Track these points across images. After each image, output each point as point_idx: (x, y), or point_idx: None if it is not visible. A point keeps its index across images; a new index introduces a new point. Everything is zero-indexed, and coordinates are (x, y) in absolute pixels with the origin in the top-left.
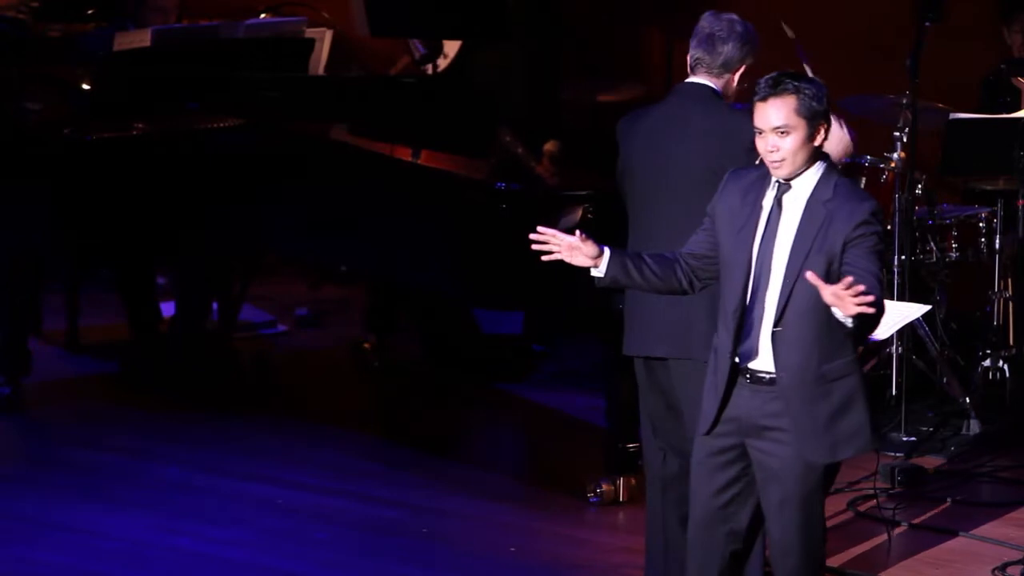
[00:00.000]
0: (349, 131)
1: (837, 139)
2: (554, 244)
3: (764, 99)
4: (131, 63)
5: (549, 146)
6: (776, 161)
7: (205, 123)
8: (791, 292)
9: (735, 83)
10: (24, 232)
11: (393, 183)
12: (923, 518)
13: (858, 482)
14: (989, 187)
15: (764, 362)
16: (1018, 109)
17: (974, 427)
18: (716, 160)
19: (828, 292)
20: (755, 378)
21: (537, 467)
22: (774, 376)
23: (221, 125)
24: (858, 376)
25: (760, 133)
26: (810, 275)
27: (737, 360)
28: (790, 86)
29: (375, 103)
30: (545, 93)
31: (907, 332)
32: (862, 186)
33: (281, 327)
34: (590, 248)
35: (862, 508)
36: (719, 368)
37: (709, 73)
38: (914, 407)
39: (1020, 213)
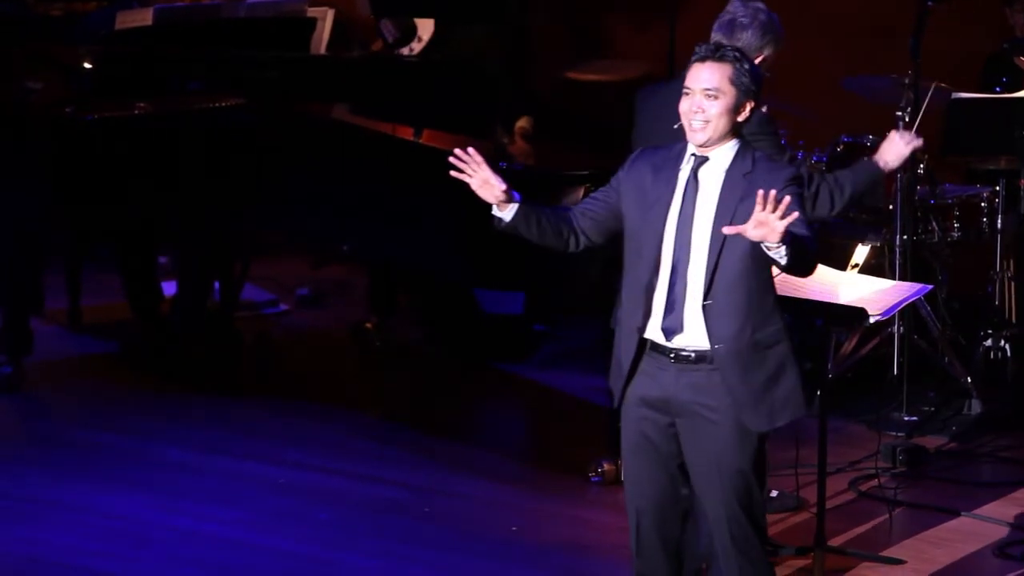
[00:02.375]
0: (350, 111)
1: (897, 151)
2: (471, 169)
3: (702, 60)
4: (133, 42)
5: (522, 123)
6: (697, 123)
7: (207, 102)
8: (716, 264)
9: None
10: (26, 212)
11: (395, 163)
12: (924, 498)
13: (859, 462)
14: (991, 167)
15: (691, 338)
16: (1019, 89)
17: (975, 407)
18: None
19: (752, 224)
20: (680, 357)
21: (538, 447)
22: (704, 352)
23: (222, 104)
24: (788, 343)
25: (688, 93)
26: (727, 228)
27: (662, 339)
28: (730, 55)
29: (377, 83)
30: (517, 73)
31: (909, 312)
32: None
33: (283, 307)
34: (501, 194)
35: (863, 488)
36: (627, 340)
37: None
38: (916, 387)
39: (1022, 193)
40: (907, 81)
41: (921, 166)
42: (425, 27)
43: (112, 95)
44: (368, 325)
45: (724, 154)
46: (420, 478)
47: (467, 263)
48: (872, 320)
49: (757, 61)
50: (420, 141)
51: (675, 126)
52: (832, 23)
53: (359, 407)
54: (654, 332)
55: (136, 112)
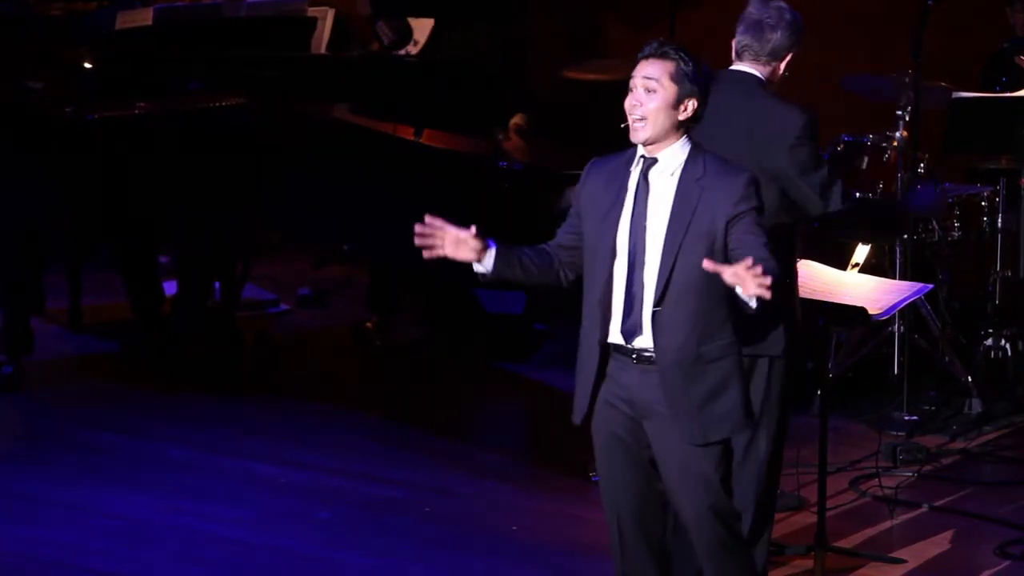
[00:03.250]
0: (351, 110)
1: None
2: (438, 238)
3: (646, 57)
4: (133, 42)
5: (516, 119)
6: (638, 119)
7: (207, 102)
8: (671, 272)
9: (781, 71)
10: (26, 211)
11: (395, 162)
12: (925, 497)
13: (860, 461)
14: (991, 166)
15: (648, 340)
16: (1020, 88)
17: (976, 406)
18: (763, 153)
19: (729, 272)
20: (641, 358)
21: (539, 446)
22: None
23: (223, 104)
24: (735, 359)
25: (631, 90)
26: (707, 263)
27: (622, 341)
28: (672, 53)
29: (377, 82)
30: (515, 72)
31: (909, 311)
32: (864, 166)
33: (283, 306)
34: (476, 242)
35: (864, 487)
36: (589, 353)
37: (756, 61)
38: (916, 386)
39: (1023, 192)
40: (907, 80)
41: (921, 165)
42: (421, 29)
43: (113, 95)
44: (369, 325)
45: (674, 155)
46: (420, 477)
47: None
48: (872, 319)
49: (786, 60)
50: (420, 140)
51: (622, 125)
52: (832, 22)
53: (360, 407)
54: (615, 335)
55: (136, 112)
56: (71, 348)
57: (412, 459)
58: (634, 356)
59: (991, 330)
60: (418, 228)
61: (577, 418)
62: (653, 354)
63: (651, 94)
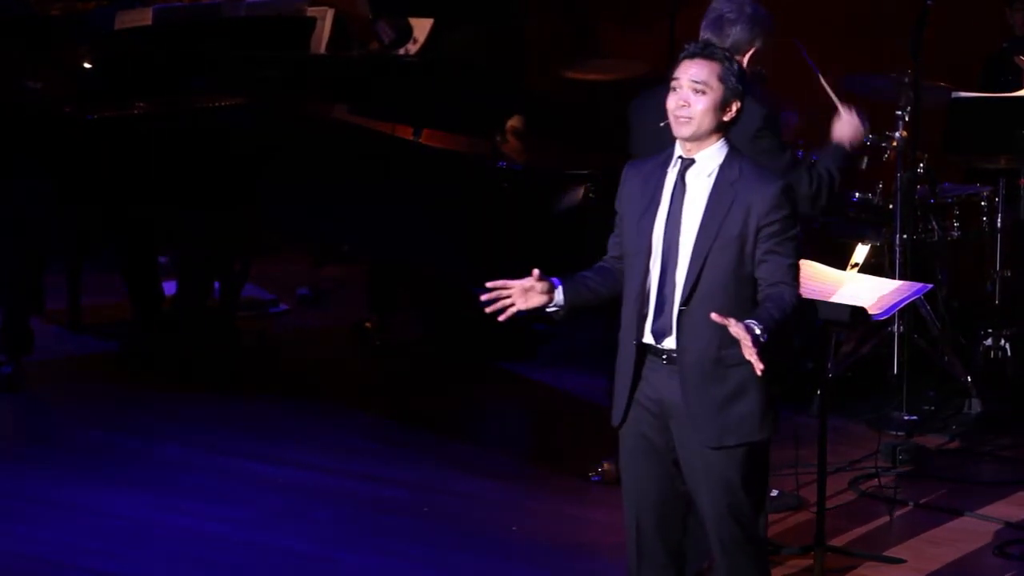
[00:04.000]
0: (350, 110)
1: (850, 125)
2: (507, 296)
3: (691, 57)
4: (132, 42)
5: (513, 122)
6: (683, 117)
7: (206, 102)
8: (699, 274)
9: (745, 65)
10: (26, 211)
11: (394, 162)
12: (924, 497)
13: (859, 461)
14: (991, 166)
15: (675, 341)
16: (1019, 88)
17: (975, 406)
18: None
19: (732, 328)
20: (670, 358)
21: (539, 446)
22: None
23: (222, 104)
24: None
25: (674, 89)
26: (715, 316)
27: (653, 341)
28: (719, 54)
29: (377, 82)
30: (513, 72)
31: (908, 311)
32: (863, 166)
33: (283, 306)
34: (543, 284)
35: (864, 487)
36: (626, 355)
37: None
38: (916, 386)
39: (1022, 192)
40: (907, 80)
41: (921, 165)
42: (421, 28)
43: (112, 95)
44: (368, 324)
45: (711, 157)
46: (420, 477)
47: (467, 262)
48: (872, 319)
49: (749, 54)
50: (419, 140)
51: (661, 124)
52: (831, 22)
53: (359, 406)
54: (647, 336)
55: (136, 112)
56: (71, 348)
57: (412, 459)
58: (663, 357)
59: (991, 330)
60: (484, 297)
61: (616, 419)
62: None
63: (699, 95)
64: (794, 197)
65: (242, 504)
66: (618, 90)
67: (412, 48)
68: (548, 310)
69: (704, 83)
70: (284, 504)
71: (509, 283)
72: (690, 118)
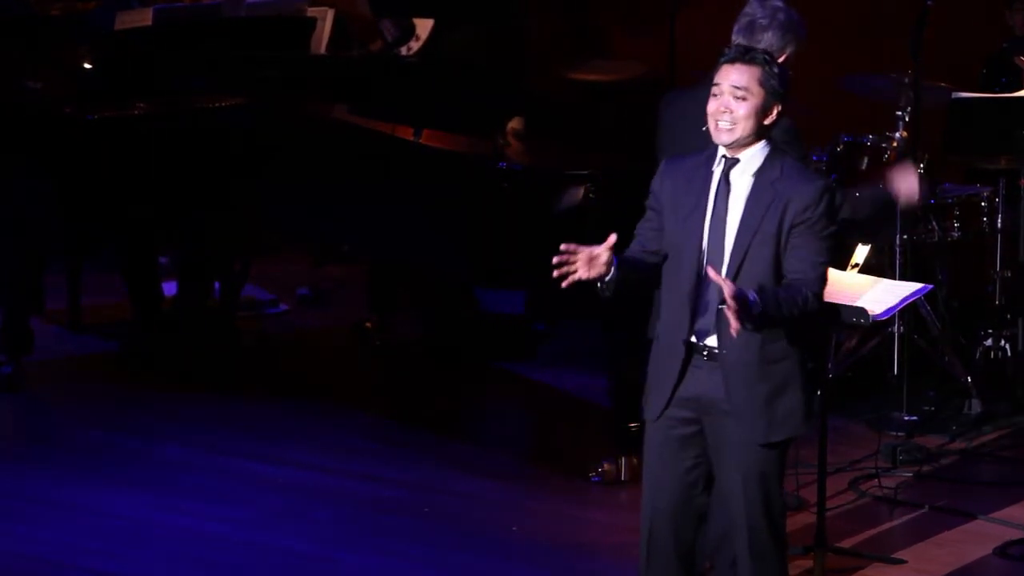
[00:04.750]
0: (350, 110)
1: (909, 187)
2: (573, 262)
3: (731, 61)
4: (133, 42)
5: (513, 123)
6: (724, 124)
7: (206, 102)
8: (738, 271)
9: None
10: (26, 211)
11: (394, 162)
12: (925, 498)
13: (860, 461)
14: (991, 166)
15: (716, 339)
16: (1019, 88)
17: (975, 406)
18: None
19: (724, 288)
20: (712, 355)
21: (539, 446)
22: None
23: (222, 104)
24: (797, 359)
25: (715, 95)
26: (712, 274)
27: (695, 339)
28: (760, 58)
29: (377, 82)
30: (514, 72)
31: (909, 312)
32: (863, 167)
33: (283, 306)
34: (609, 254)
35: (864, 487)
36: (672, 352)
37: None
38: (916, 387)
39: (1022, 192)
40: (907, 80)
41: (921, 166)
42: (423, 26)
43: (112, 95)
44: (368, 324)
45: (754, 156)
46: (420, 477)
47: (467, 262)
48: (872, 320)
49: (781, 60)
50: (420, 141)
51: (703, 128)
52: (832, 22)
53: (359, 406)
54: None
55: (136, 112)
56: (71, 348)
57: (411, 459)
58: (705, 354)
59: (991, 330)
60: (556, 259)
61: (653, 414)
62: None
63: (740, 101)
64: (834, 198)
65: (242, 504)
66: (618, 91)
67: (414, 46)
68: (601, 282)
69: (745, 89)
70: (284, 504)
71: (580, 247)
72: (733, 123)
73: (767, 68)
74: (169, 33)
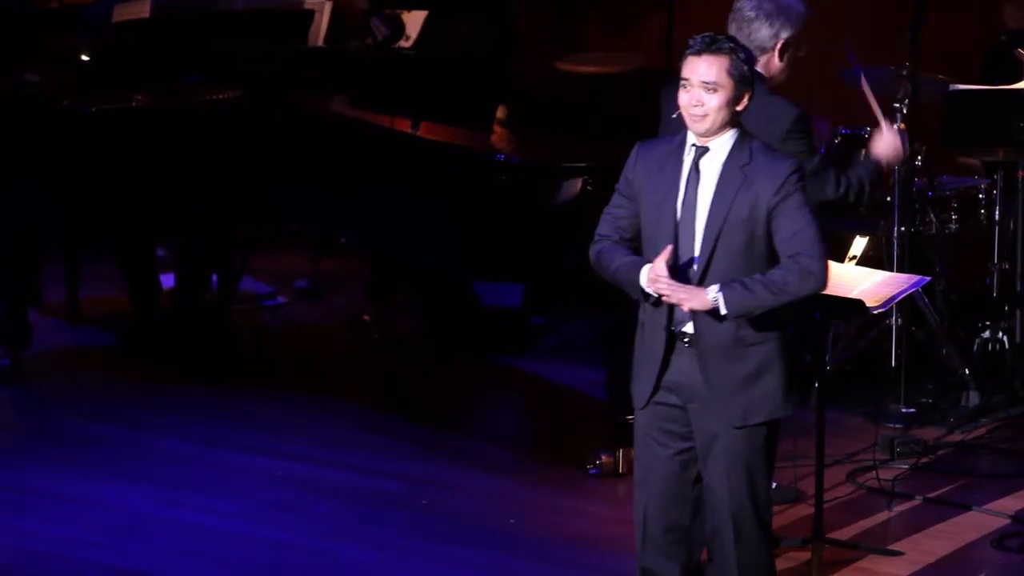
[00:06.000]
0: (349, 103)
1: (891, 145)
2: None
3: (698, 54)
4: (130, 34)
5: (497, 112)
6: (697, 116)
7: (204, 95)
8: (711, 256)
9: (776, 59)
10: (24, 204)
11: (392, 155)
12: (922, 490)
13: (857, 454)
14: (989, 159)
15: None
16: (1017, 80)
17: (973, 399)
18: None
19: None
20: (691, 341)
21: (536, 439)
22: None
23: (220, 97)
24: (776, 342)
25: (686, 87)
26: (659, 263)
27: (674, 327)
28: (725, 47)
29: (375, 75)
30: (503, 66)
31: (906, 304)
32: (861, 159)
33: (281, 299)
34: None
35: (861, 480)
36: (654, 340)
37: None
38: (914, 379)
39: (1020, 185)
40: (905, 72)
41: (919, 158)
42: (413, 24)
43: (110, 87)
44: (366, 317)
45: (723, 143)
46: (418, 470)
47: (465, 255)
48: (870, 312)
49: (777, 48)
50: (417, 134)
51: (674, 115)
52: (830, 14)
53: (357, 400)
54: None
55: (134, 104)
56: (69, 341)
57: (410, 452)
58: (685, 340)
59: (988, 323)
60: (658, 287)
61: (640, 403)
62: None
63: (712, 93)
64: (801, 175)
65: (240, 497)
66: (613, 83)
67: (405, 44)
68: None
69: (714, 82)
70: (282, 497)
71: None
72: (704, 115)
73: (734, 56)
74: (167, 25)
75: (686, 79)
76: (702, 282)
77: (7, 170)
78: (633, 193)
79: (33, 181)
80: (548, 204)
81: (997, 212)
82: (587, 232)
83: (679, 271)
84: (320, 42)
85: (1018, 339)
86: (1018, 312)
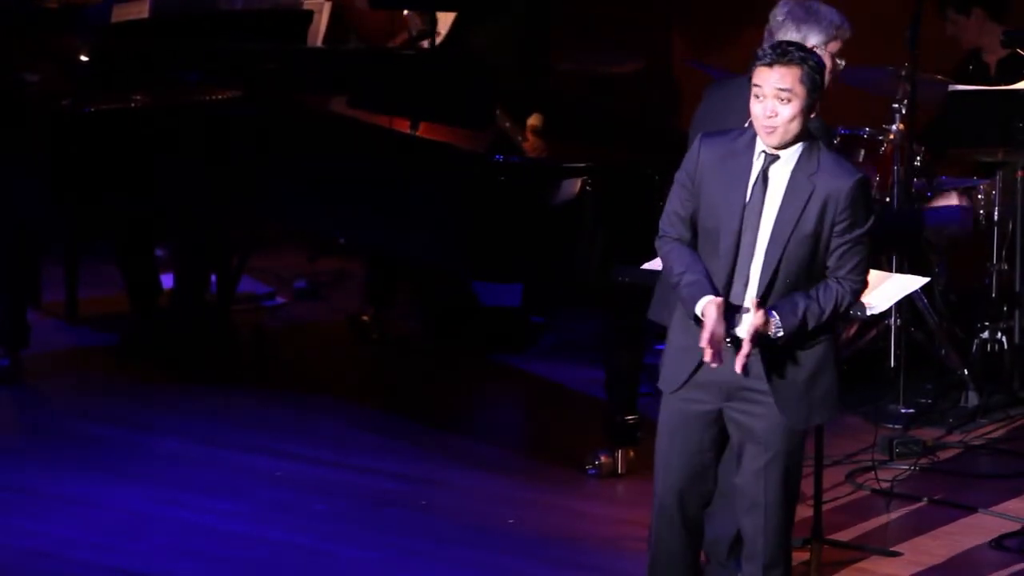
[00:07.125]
0: (348, 103)
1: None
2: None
3: (770, 65)
4: (130, 34)
5: (532, 120)
6: (770, 127)
7: (204, 95)
8: (776, 267)
9: (829, 61)
10: (23, 204)
11: (392, 155)
12: (921, 490)
13: (856, 454)
14: (988, 159)
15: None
16: (988, 81)
17: (972, 399)
18: None
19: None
20: (736, 342)
21: (536, 439)
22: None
23: (220, 97)
24: (828, 343)
25: (758, 97)
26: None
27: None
28: (796, 56)
29: (374, 75)
30: (536, 68)
31: (906, 304)
32: (860, 159)
33: (280, 299)
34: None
35: (860, 480)
36: (696, 335)
37: None
38: (913, 379)
39: (1019, 185)
40: (904, 73)
41: (918, 159)
42: (445, 20)
43: (110, 87)
44: (365, 317)
45: (793, 152)
46: (418, 470)
47: (465, 255)
48: (869, 313)
49: (832, 50)
50: (417, 134)
51: (746, 124)
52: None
53: (356, 399)
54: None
55: (134, 104)
56: (68, 341)
57: (409, 451)
58: (729, 340)
59: (988, 323)
60: (705, 358)
61: (670, 388)
62: None
63: (786, 104)
64: (869, 189)
65: (240, 497)
66: (617, 84)
67: (436, 40)
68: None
69: (789, 90)
70: (282, 497)
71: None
72: (776, 127)
73: (806, 67)
74: (166, 25)
75: (758, 87)
76: (768, 289)
77: (7, 170)
78: (695, 187)
79: (33, 181)
80: (548, 204)
81: (996, 212)
82: (586, 232)
83: (741, 272)
84: (319, 42)
85: (1017, 339)
86: (1017, 313)
